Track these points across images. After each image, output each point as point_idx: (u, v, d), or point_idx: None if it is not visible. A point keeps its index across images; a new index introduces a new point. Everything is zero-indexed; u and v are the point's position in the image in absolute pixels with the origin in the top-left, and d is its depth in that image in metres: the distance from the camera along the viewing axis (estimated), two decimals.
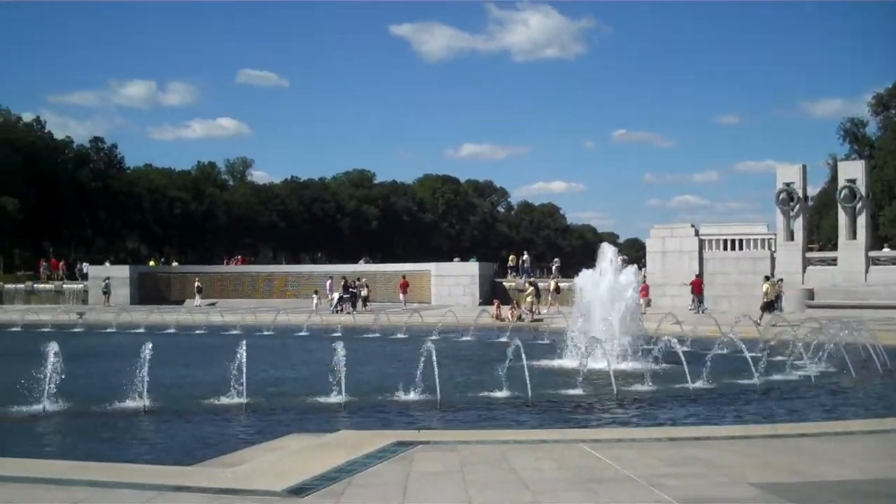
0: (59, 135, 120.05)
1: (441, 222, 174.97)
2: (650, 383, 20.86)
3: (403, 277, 58.98)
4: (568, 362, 25.21)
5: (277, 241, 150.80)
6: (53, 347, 18.15)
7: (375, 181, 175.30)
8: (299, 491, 8.94)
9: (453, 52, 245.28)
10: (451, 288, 59.09)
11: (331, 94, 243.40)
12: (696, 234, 52.90)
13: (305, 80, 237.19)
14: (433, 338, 22.85)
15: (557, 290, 52.01)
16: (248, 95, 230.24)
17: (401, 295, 56.99)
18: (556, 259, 74.44)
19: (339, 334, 36.63)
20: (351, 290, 54.21)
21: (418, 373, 18.88)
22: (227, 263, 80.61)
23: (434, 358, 18.53)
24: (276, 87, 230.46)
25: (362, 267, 68.56)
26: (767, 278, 45.35)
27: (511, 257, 68.91)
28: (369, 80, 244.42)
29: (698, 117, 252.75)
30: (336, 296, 53.66)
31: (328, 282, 58.36)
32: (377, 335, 38.96)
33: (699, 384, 20.56)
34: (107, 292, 61.50)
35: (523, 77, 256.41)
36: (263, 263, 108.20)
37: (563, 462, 10.39)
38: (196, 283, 61.77)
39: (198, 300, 59.84)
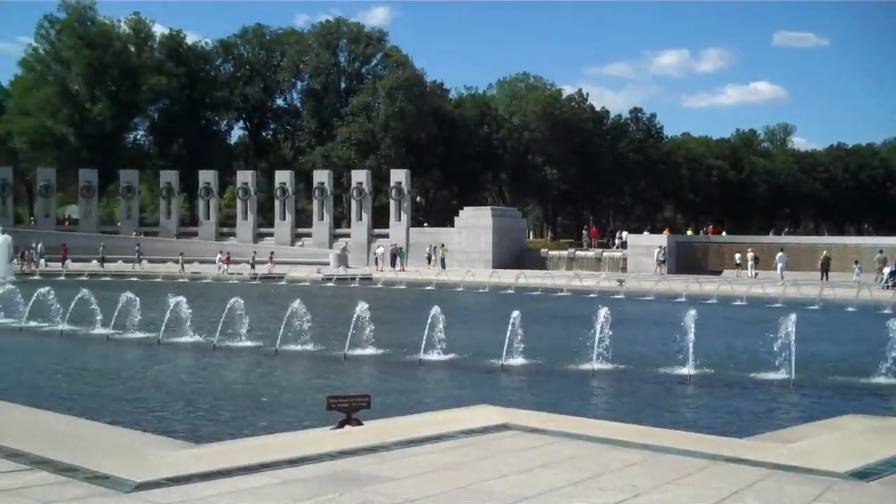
0: (596, 106, 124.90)
1: None
2: None
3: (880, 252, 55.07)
4: None
5: (819, 210, 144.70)
6: (603, 312, 18.82)
7: None
8: (863, 475, 8.28)
9: None
10: None
11: (874, 53, 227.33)
12: None
13: (847, 39, 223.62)
14: None
15: None
16: (785, 58, 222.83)
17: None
18: None
19: (888, 311, 34.08)
20: None
21: None
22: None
23: None
24: (816, 47, 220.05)
25: None
26: None
27: None
28: None
29: None
30: (888, 270, 49.97)
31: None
32: None
33: None
34: (663, 261, 62.21)
35: None
36: (804, 234, 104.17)
37: None
38: (750, 253, 60.64)
39: (751, 271, 58.82)
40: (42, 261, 63.66)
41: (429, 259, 65.90)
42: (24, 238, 65.73)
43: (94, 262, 64.29)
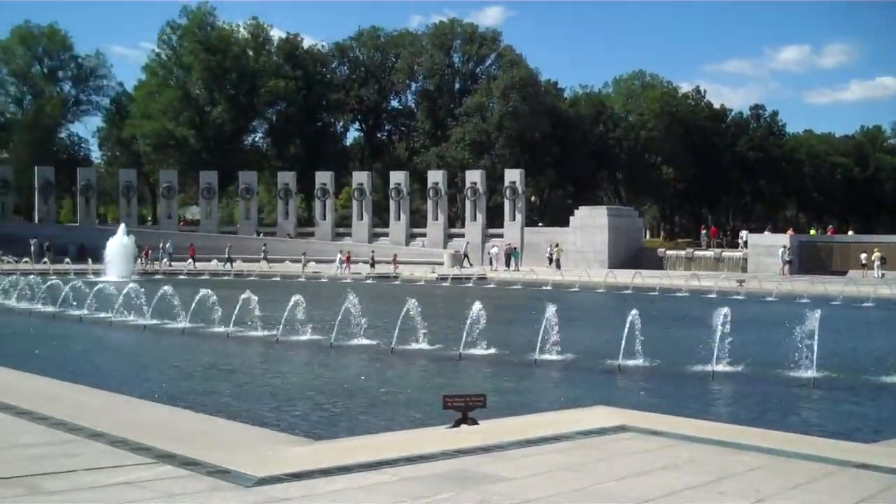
0: (714, 104, 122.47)
1: None
2: None
3: None
4: None
5: None
6: (723, 312, 18.45)
7: None
8: None
9: None
10: None
11: None
12: None
13: None
14: None
15: None
16: None
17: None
18: None
19: None
20: None
21: None
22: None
23: None
24: None
25: None
26: None
27: None
28: None
29: None
30: None
31: None
32: None
33: None
34: (789, 261, 60.51)
35: None
36: None
37: None
38: (876, 253, 58.58)
39: (878, 271, 56.88)
40: (165, 260, 65.58)
41: (550, 259, 65.53)
42: (147, 238, 67.82)
43: (215, 261, 65.77)
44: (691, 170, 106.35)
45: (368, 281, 55.99)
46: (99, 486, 7.15)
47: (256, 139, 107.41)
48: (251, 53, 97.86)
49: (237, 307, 25.40)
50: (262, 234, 79.09)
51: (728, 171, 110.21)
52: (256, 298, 26.00)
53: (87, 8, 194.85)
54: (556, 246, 66.64)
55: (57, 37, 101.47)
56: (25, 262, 60.16)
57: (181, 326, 26.30)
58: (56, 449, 8.59)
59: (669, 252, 71.30)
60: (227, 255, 66.45)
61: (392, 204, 79.53)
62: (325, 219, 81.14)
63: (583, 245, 69.02)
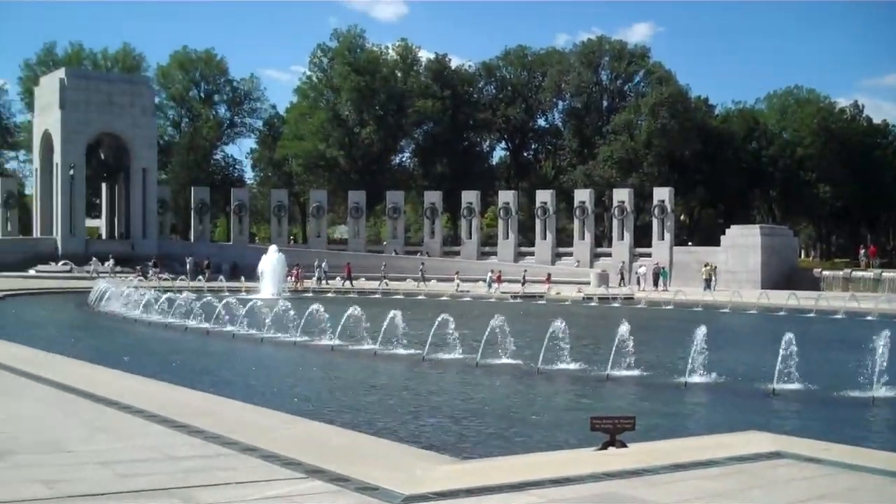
0: (874, 119, 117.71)
1: None
2: None
3: None
4: None
5: None
6: (884, 335, 17.69)
7: None
8: None
9: None
10: None
11: None
12: None
13: None
14: None
15: None
16: None
17: None
18: None
19: None
20: None
21: None
22: None
23: None
24: None
25: None
26: None
27: None
28: None
29: None
30: None
31: None
32: None
33: None
34: None
35: None
36: None
37: None
38: None
39: None
40: (316, 278, 66.96)
41: (707, 282, 62.85)
42: (297, 257, 69.01)
43: (363, 279, 66.79)
44: (850, 187, 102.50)
45: (514, 300, 55.91)
46: (251, 499, 7.29)
47: (404, 159, 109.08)
48: (399, 74, 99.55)
49: (384, 325, 25.66)
50: (419, 254, 79.84)
51: (889, 188, 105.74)
52: (403, 317, 26.19)
53: (242, 34, 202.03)
54: (707, 266, 64.96)
55: (213, 62, 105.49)
56: (181, 279, 62.38)
57: (329, 344, 26.72)
58: (210, 462, 8.80)
59: (826, 272, 68.80)
60: (382, 274, 67.49)
61: (538, 223, 79.36)
62: (470, 238, 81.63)
63: (734, 265, 67.32)
